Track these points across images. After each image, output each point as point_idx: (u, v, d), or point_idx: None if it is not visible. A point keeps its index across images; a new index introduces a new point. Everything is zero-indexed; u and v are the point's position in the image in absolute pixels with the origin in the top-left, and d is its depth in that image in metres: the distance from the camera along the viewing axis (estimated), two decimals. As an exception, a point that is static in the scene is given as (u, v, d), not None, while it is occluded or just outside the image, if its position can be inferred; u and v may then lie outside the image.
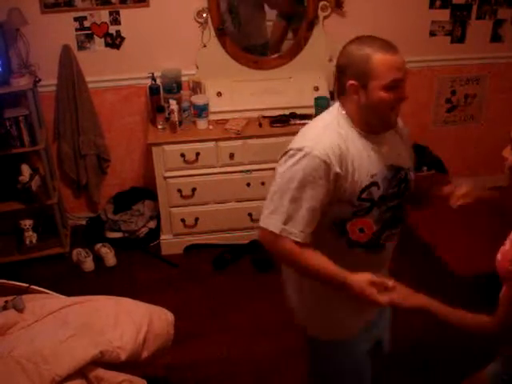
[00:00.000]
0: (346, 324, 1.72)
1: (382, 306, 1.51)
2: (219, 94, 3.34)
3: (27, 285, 2.30)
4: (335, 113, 1.56)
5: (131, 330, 2.01)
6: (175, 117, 3.19)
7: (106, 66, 3.39)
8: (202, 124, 3.25)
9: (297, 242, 1.49)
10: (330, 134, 1.50)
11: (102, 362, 1.87)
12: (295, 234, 1.48)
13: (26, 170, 3.24)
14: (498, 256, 1.43)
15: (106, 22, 3.28)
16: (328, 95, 3.35)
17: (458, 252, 3.34)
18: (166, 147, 3.18)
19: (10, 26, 3.04)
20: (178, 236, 3.44)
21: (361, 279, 1.45)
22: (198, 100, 3.24)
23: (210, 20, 3.32)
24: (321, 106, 3.22)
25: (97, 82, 3.41)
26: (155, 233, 3.57)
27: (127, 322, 2.04)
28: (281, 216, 1.48)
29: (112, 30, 3.30)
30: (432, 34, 3.64)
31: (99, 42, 3.32)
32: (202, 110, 3.22)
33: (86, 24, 3.26)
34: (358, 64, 1.44)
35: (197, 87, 3.37)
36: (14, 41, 3.16)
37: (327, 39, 3.45)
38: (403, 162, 1.63)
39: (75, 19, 3.23)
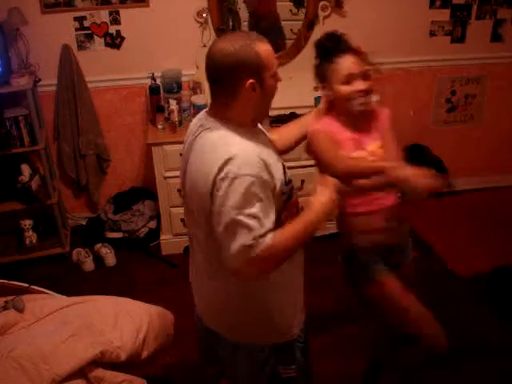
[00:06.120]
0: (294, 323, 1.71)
1: None
2: (219, 93, 3.34)
3: (27, 285, 2.30)
4: (219, 125, 1.54)
5: (131, 330, 2.01)
6: (175, 117, 3.20)
7: (106, 66, 3.39)
8: (202, 124, 3.25)
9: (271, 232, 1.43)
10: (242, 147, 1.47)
11: (102, 361, 1.87)
12: (266, 227, 1.42)
13: (25, 169, 3.24)
14: None
15: (105, 22, 3.28)
16: (328, 95, 3.35)
17: (458, 251, 3.34)
18: (166, 147, 3.17)
19: (9, 25, 3.05)
20: (178, 236, 3.44)
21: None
22: (198, 100, 3.24)
23: (210, 20, 3.32)
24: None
25: (97, 82, 3.41)
26: (155, 233, 3.58)
27: (127, 322, 2.04)
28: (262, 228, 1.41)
29: (112, 29, 3.31)
30: (432, 33, 3.64)
31: (99, 41, 3.33)
32: (202, 110, 3.22)
33: (86, 24, 3.26)
34: (251, 61, 1.44)
35: (197, 87, 3.37)
36: (14, 41, 3.16)
37: (327, 39, 3.46)
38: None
39: (75, 19, 3.24)
